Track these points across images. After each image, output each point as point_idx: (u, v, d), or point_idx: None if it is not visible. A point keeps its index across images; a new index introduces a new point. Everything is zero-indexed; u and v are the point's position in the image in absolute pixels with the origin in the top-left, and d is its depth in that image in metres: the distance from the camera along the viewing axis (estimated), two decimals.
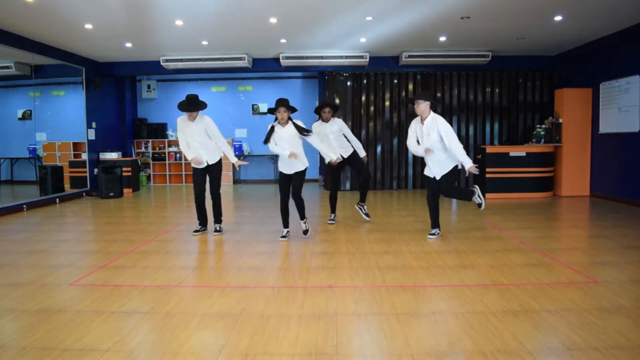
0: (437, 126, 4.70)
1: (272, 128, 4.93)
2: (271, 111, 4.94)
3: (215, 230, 5.38)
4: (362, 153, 5.87)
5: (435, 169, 4.86)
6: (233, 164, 5.23)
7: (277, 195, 9.11)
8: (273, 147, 4.90)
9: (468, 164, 4.68)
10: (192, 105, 5.07)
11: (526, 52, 9.07)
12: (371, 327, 2.71)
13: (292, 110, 4.91)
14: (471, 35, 7.73)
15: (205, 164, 5.20)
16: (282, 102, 4.84)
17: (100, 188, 8.83)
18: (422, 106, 4.76)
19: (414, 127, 4.96)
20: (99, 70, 9.66)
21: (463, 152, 4.66)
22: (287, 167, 4.92)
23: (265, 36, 7.77)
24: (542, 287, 3.36)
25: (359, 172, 5.91)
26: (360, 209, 6.03)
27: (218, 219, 5.45)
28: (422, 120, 4.83)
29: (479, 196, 4.93)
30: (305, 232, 5.11)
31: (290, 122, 4.91)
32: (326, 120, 5.71)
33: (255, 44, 8.39)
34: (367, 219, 6.02)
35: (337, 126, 5.73)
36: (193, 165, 5.23)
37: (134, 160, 9.94)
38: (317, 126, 5.72)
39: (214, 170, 5.27)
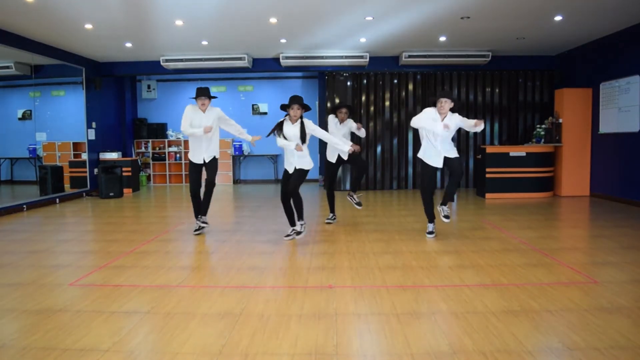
0: (454, 117, 4.81)
1: (281, 123, 4.87)
2: (284, 108, 4.85)
3: (204, 223, 5.33)
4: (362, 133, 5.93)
5: (447, 154, 4.88)
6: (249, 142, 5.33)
7: (278, 195, 9.14)
8: (281, 141, 4.85)
9: (478, 123, 4.75)
10: (208, 92, 5.15)
11: (526, 52, 9.07)
12: (371, 327, 2.71)
13: (306, 108, 4.84)
14: (471, 35, 7.73)
15: (202, 161, 5.21)
16: (296, 100, 4.76)
17: (100, 188, 8.83)
18: (448, 105, 4.79)
19: (431, 114, 4.86)
20: (99, 70, 9.67)
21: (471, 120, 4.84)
22: (290, 164, 4.88)
23: (265, 36, 7.77)
24: (542, 287, 3.36)
25: (357, 165, 5.88)
26: (351, 198, 5.94)
27: (206, 210, 5.35)
28: (441, 117, 4.83)
29: (447, 214, 4.98)
30: (298, 233, 4.94)
31: (300, 120, 4.84)
32: (341, 121, 5.74)
33: (255, 44, 8.39)
34: (358, 207, 5.95)
35: (348, 127, 5.81)
36: (198, 137, 5.16)
37: (134, 160, 9.94)
38: (333, 126, 5.73)
39: (210, 165, 5.26)
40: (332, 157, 5.79)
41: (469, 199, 8.23)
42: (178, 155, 11.45)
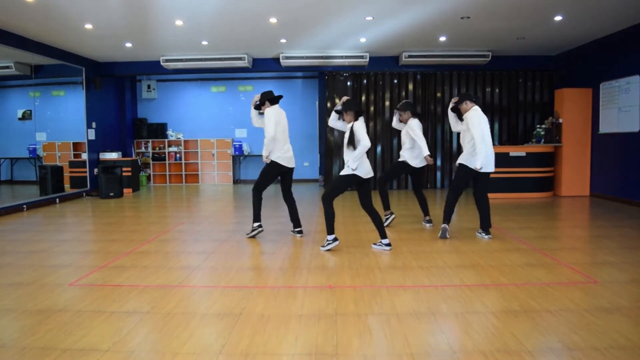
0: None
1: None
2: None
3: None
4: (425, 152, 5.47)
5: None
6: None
7: (277, 195, 9.13)
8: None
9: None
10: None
11: (526, 52, 9.08)
12: (371, 327, 2.71)
13: (348, 108, 4.46)
14: (471, 35, 7.73)
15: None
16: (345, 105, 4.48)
17: (100, 188, 8.83)
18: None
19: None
20: (99, 70, 9.67)
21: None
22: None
23: (265, 36, 7.77)
24: (542, 287, 3.36)
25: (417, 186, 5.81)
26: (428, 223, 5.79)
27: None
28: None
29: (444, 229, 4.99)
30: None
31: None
32: (403, 121, 5.69)
33: (255, 44, 8.40)
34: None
35: (406, 129, 5.62)
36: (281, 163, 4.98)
37: (134, 160, 9.94)
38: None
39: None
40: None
41: (469, 199, 8.23)
42: (178, 155, 11.45)
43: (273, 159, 4.94)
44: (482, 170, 4.84)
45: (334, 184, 4.52)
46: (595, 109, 8.16)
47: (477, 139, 4.72)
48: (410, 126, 5.51)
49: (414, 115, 5.60)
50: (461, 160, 4.99)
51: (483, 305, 3.02)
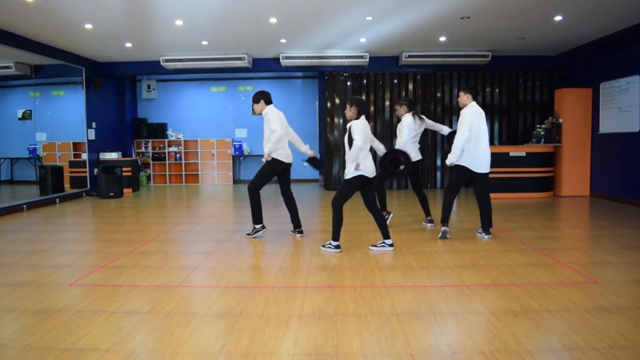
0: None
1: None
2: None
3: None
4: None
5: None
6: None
7: (277, 195, 9.14)
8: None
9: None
10: (254, 96, 5.05)
11: (526, 52, 9.08)
12: (371, 327, 2.71)
13: (352, 103, 4.41)
14: (471, 35, 7.73)
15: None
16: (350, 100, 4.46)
17: (100, 188, 8.83)
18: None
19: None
20: (98, 70, 9.67)
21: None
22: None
23: (265, 36, 7.78)
24: (542, 287, 3.36)
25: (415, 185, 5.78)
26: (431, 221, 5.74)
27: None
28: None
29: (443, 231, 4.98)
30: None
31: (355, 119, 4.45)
32: (398, 115, 5.67)
33: (255, 44, 8.40)
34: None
35: (400, 124, 5.56)
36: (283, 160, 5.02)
37: (134, 160, 9.94)
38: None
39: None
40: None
41: (468, 199, 8.23)
42: (178, 155, 11.45)
43: (274, 157, 4.94)
44: (476, 171, 4.83)
45: (341, 188, 4.47)
46: (595, 109, 8.16)
47: (461, 136, 4.71)
48: (402, 121, 5.53)
49: (413, 113, 5.58)
50: (458, 161, 4.96)
51: (483, 305, 3.02)
